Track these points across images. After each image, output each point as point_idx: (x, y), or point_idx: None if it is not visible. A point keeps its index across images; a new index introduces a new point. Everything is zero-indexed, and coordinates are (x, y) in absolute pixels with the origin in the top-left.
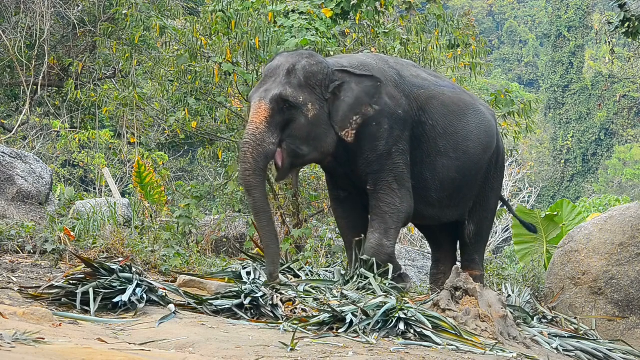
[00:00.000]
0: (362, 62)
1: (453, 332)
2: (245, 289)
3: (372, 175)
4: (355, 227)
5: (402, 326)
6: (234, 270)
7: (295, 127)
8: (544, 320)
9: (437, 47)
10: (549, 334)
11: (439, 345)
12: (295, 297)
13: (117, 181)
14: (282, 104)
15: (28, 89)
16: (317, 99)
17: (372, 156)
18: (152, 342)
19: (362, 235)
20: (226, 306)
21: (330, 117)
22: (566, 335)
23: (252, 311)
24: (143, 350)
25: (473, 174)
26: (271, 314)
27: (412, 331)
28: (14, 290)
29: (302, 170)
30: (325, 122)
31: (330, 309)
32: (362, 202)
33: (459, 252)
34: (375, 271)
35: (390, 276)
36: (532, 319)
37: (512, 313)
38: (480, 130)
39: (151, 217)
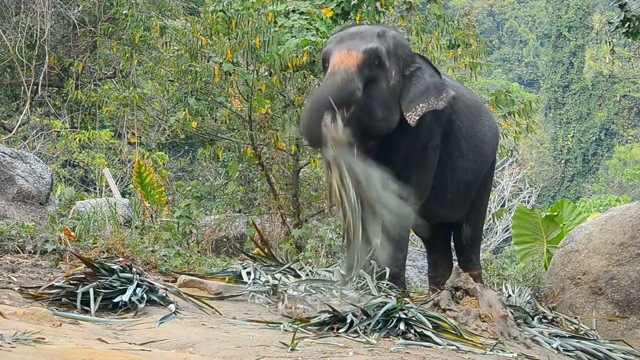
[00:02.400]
0: None
1: (453, 332)
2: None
3: (405, 171)
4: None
5: (402, 326)
6: (234, 270)
7: (376, 88)
8: (544, 320)
9: (437, 47)
10: (549, 334)
11: (440, 345)
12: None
13: (117, 181)
14: (373, 59)
15: (28, 89)
16: (399, 71)
17: (412, 150)
18: (153, 342)
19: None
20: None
21: (401, 94)
22: (566, 335)
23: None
24: (143, 350)
25: (482, 175)
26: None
27: (412, 331)
28: (14, 290)
29: (302, 170)
30: (397, 96)
31: (330, 309)
32: None
33: (454, 252)
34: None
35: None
36: (533, 319)
37: (512, 313)
38: (491, 132)
39: (151, 217)
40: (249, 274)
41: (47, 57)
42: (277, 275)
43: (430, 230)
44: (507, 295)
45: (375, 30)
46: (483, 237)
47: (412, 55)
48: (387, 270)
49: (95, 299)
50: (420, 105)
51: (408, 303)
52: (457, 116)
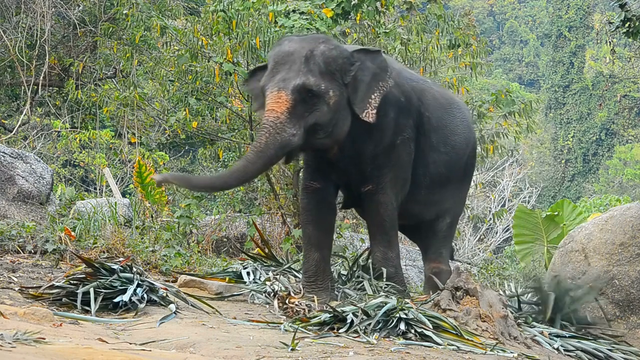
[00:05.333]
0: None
1: (454, 332)
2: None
3: (375, 172)
4: (317, 223)
5: (402, 326)
6: (234, 270)
7: (317, 115)
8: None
9: (437, 47)
10: (549, 334)
11: (440, 345)
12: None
13: (117, 181)
14: (304, 94)
15: (29, 89)
16: (337, 85)
17: (378, 149)
18: (153, 342)
19: (321, 231)
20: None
21: (350, 100)
22: (567, 335)
23: None
24: (144, 350)
25: (456, 168)
26: None
27: (412, 331)
28: (14, 290)
29: (302, 170)
30: (343, 107)
31: (331, 309)
32: (333, 195)
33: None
34: (372, 274)
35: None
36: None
37: (512, 313)
38: (463, 124)
39: (152, 217)
40: (249, 274)
41: (47, 57)
42: (276, 276)
43: (415, 231)
44: (509, 296)
45: (303, 51)
46: (458, 234)
47: (348, 59)
48: (384, 271)
49: (95, 299)
50: (372, 96)
51: (408, 303)
52: (425, 108)
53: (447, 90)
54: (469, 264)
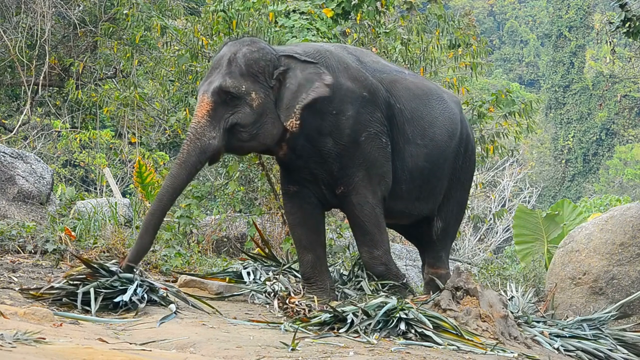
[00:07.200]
0: (318, 49)
1: (454, 332)
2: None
3: (342, 172)
4: (304, 224)
5: (403, 326)
6: (234, 270)
7: (239, 116)
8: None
9: (437, 47)
10: (550, 334)
11: (440, 345)
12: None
13: (117, 181)
14: (223, 96)
15: (29, 89)
16: (261, 87)
17: (339, 148)
18: (153, 342)
19: (310, 232)
20: None
21: (277, 105)
22: (567, 335)
23: None
24: (144, 350)
25: (441, 162)
26: None
27: (413, 331)
28: (15, 290)
29: None
30: (271, 110)
31: (331, 309)
32: (313, 196)
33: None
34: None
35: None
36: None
37: (512, 313)
38: (444, 116)
39: None
40: (249, 274)
41: (47, 57)
42: (276, 276)
43: (409, 232)
44: (510, 297)
45: (229, 54)
46: (459, 235)
47: (274, 62)
48: (371, 272)
49: (95, 299)
50: (296, 107)
51: (408, 303)
52: (396, 99)
53: (427, 81)
54: (469, 264)
